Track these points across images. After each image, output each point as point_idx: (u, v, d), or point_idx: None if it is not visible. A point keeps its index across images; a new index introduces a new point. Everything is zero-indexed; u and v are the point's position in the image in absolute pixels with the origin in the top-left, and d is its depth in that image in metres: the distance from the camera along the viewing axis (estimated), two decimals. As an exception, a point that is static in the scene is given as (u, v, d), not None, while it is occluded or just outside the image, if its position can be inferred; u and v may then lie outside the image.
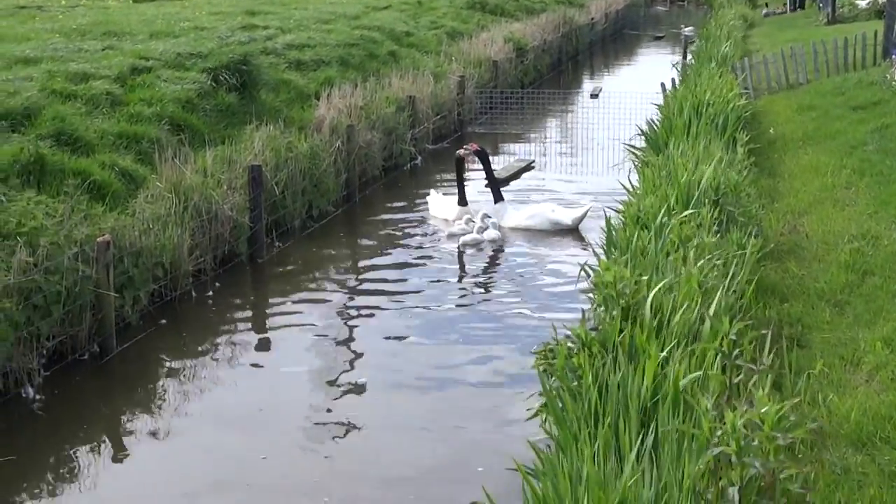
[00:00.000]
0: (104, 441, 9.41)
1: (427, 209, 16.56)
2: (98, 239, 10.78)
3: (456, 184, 16.11)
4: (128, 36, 19.90)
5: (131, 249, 11.51)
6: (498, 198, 15.90)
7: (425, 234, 15.53)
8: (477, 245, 14.90)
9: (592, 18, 43.38)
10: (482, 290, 13.23)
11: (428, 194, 16.85)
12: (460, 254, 14.66)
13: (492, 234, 15.02)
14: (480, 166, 16.71)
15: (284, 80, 19.02)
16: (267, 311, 13.00)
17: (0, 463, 8.02)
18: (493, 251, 14.81)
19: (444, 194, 16.61)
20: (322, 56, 21.13)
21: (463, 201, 15.84)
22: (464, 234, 15.05)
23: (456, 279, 13.72)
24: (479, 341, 11.30)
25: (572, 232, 15.45)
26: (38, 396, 9.89)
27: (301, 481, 8.44)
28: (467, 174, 17.23)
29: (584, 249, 14.52)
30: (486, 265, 14.37)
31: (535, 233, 15.33)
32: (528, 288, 13.09)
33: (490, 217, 15.26)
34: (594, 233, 14.59)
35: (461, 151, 16.24)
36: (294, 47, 21.10)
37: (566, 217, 15.49)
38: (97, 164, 12.92)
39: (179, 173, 13.27)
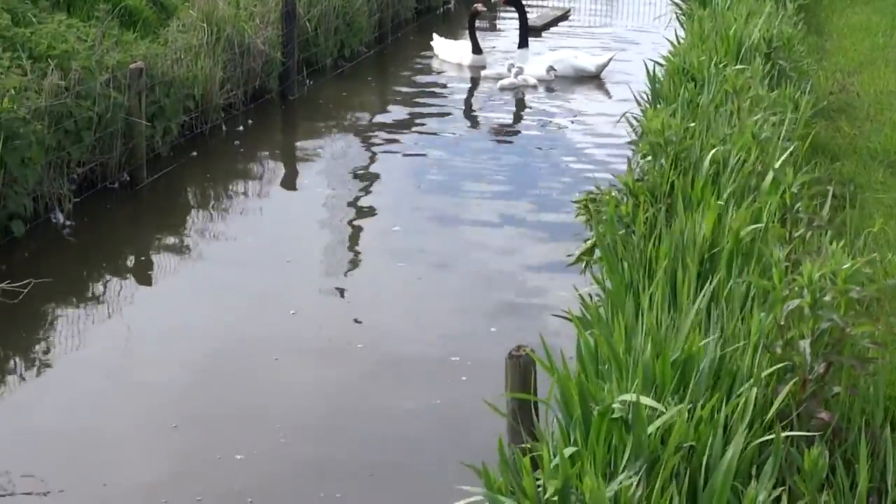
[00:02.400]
0: (132, 268, 9.29)
1: (434, 53, 16.24)
2: (131, 65, 10.49)
3: (468, 33, 15.76)
4: None
5: (163, 79, 11.23)
6: (523, 44, 15.62)
7: (463, 77, 15.23)
8: (515, 89, 14.65)
9: None
10: (513, 138, 13.00)
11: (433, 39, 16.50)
12: (493, 99, 14.38)
13: (531, 79, 14.81)
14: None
15: (319, -87, 18.41)
16: (296, 148, 12.81)
17: (36, 284, 7.88)
18: (527, 96, 14.54)
19: (447, 39, 16.25)
20: None
21: (478, 50, 15.61)
22: (501, 79, 14.83)
23: (488, 124, 13.45)
24: (512, 187, 11.08)
25: (596, 79, 15.29)
26: (67, 222, 9.74)
27: (324, 314, 8.30)
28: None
29: (609, 97, 14.33)
30: (521, 111, 14.10)
31: (558, 79, 15.08)
32: (562, 134, 12.88)
33: (521, 66, 14.98)
34: (621, 83, 14.42)
35: (476, 6, 15.88)
36: None
37: (590, 64, 15.38)
38: (128, -12, 12.55)
39: (212, 4, 12.88)
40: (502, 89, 14.67)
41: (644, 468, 4.12)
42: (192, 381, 7.33)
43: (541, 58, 15.55)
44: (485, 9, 16.20)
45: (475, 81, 15.13)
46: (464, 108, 14.16)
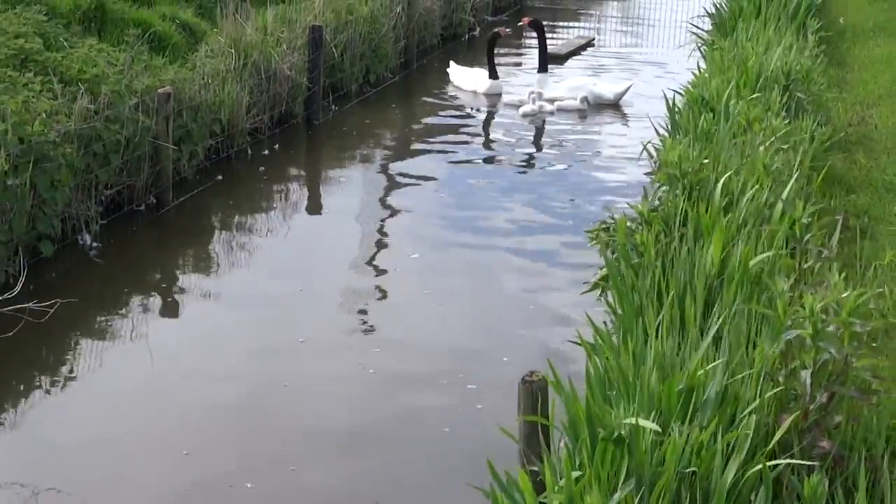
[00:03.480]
0: (157, 290, 9.45)
1: (449, 80, 16.40)
2: (159, 90, 10.71)
3: (487, 57, 15.89)
4: None
5: (190, 103, 11.44)
6: (542, 68, 15.78)
7: (481, 105, 15.41)
8: (535, 116, 14.87)
9: None
10: (531, 164, 13.15)
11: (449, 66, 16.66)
12: (514, 126, 14.55)
13: (549, 106, 15.03)
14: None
15: (347, -59, 18.67)
16: (321, 173, 13.00)
17: (63, 304, 8.07)
18: (546, 124, 14.73)
19: (466, 67, 16.40)
20: (385, -81, 20.70)
21: (494, 75, 15.74)
22: (522, 105, 15.03)
23: (509, 151, 13.59)
24: (532, 216, 11.22)
25: (614, 107, 15.45)
26: (94, 244, 9.93)
27: (342, 344, 8.44)
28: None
29: (629, 126, 14.49)
30: (540, 139, 14.27)
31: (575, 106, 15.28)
32: (580, 163, 13.05)
33: (540, 92, 15.18)
34: (640, 112, 14.69)
35: (499, 29, 16.10)
36: None
37: (608, 91, 15.54)
38: (158, 15, 12.83)
39: (240, 30, 13.12)
40: (524, 115, 14.85)
41: (644, 490, 4.24)
42: (207, 406, 7.47)
43: (561, 84, 15.72)
44: (508, 31, 16.33)
45: (495, 108, 15.28)
46: (484, 135, 14.32)
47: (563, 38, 20.11)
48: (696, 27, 16.23)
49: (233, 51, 12.70)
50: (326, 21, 14.67)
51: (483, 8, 20.66)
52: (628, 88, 15.57)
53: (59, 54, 10.74)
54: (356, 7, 15.68)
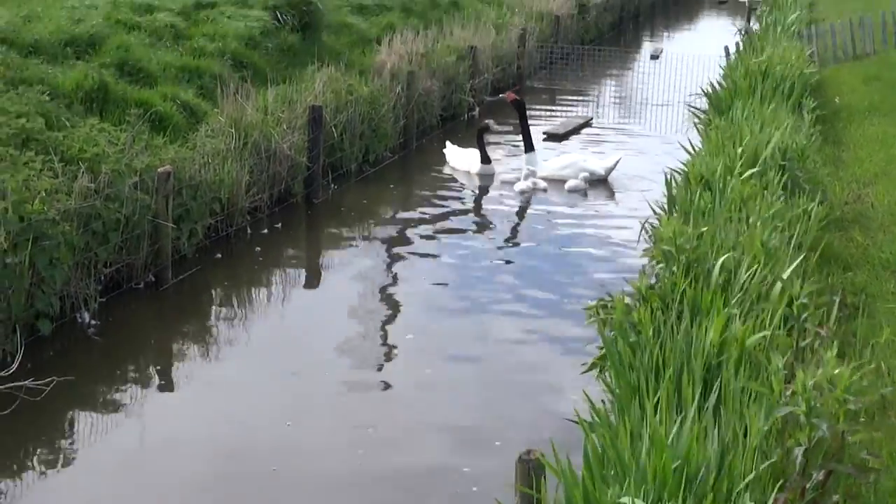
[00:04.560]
0: (154, 369, 9.49)
1: (446, 160, 16.51)
2: (159, 169, 10.78)
3: (478, 146, 16.01)
4: (192, -29, 19.82)
5: (190, 182, 11.51)
6: (529, 148, 15.93)
7: (476, 185, 15.53)
8: (530, 192, 15.06)
9: (656, -21, 42.87)
10: (527, 241, 13.22)
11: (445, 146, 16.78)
12: (510, 205, 14.66)
13: (542, 183, 15.26)
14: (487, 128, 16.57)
15: (346, 23, 18.94)
16: (319, 253, 13.07)
17: (60, 382, 8.06)
18: (540, 201, 14.86)
19: (460, 147, 16.53)
20: (384, 1, 21.01)
21: (486, 160, 15.89)
22: (517, 182, 15.27)
23: (505, 230, 13.69)
24: (527, 294, 11.24)
25: (606, 183, 15.64)
26: (93, 322, 9.95)
27: (341, 429, 8.42)
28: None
29: (622, 202, 14.77)
30: (535, 216, 14.35)
31: (566, 182, 15.42)
32: (576, 240, 13.15)
33: (533, 169, 15.38)
34: (633, 186, 14.94)
35: (488, 122, 16.35)
36: (357, -10, 20.98)
37: (598, 167, 15.76)
38: (159, 95, 12.93)
39: (240, 110, 13.24)
40: (520, 192, 15.01)
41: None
42: (199, 487, 7.47)
43: (552, 161, 15.88)
44: (494, 126, 16.55)
45: (490, 188, 15.40)
46: (480, 214, 14.41)
47: (562, 118, 20.27)
48: (693, 106, 16.38)
49: (233, 130, 12.81)
50: (326, 101, 14.80)
51: (482, 88, 20.83)
52: (617, 162, 15.85)
53: (60, 133, 10.83)
54: (356, 87, 15.83)
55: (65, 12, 14.32)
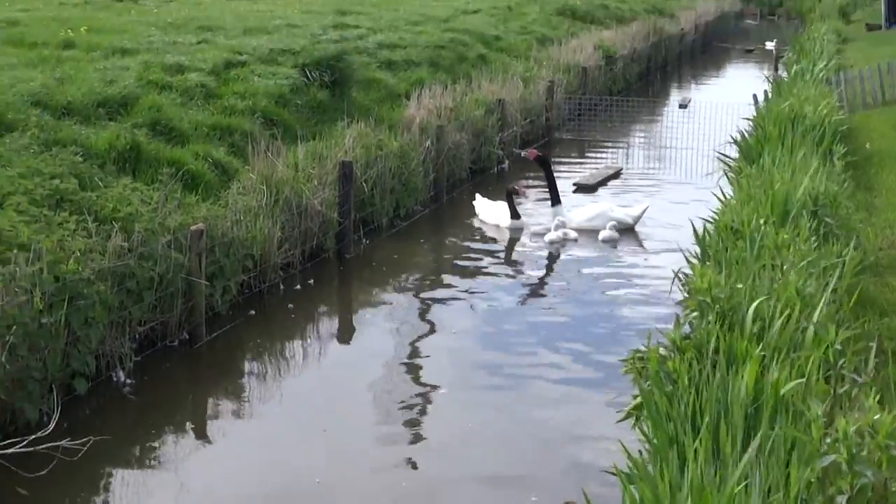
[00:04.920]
0: (191, 428, 9.51)
1: (475, 213, 16.55)
2: (192, 227, 10.86)
3: (507, 204, 16.00)
4: (221, 31, 20.09)
5: (223, 239, 11.57)
6: (556, 201, 15.94)
7: (507, 238, 15.55)
8: (560, 243, 15.12)
9: (682, 29, 43.04)
10: (559, 292, 13.18)
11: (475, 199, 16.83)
12: (541, 256, 14.68)
13: (573, 234, 15.33)
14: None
15: (375, 78, 19.09)
16: (352, 307, 13.08)
17: (96, 442, 8.07)
18: (571, 252, 14.88)
19: (490, 200, 16.58)
20: (412, 57, 21.18)
21: (516, 215, 15.92)
22: (547, 233, 15.33)
23: (536, 280, 13.73)
24: (560, 346, 11.21)
25: (635, 233, 15.71)
26: (128, 380, 9.98)
27: (375, 483, 8.41)
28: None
29: (653, 251, 14.77)
30: (567, 267, 14.35)
31: (596, 233, 15.48)
32: (609, 290, 13.14)
33: (563, 220, 15.45)
34: (664, 235, 15.11)
35: (517, 187, 16.46)
36: (385, 47, 21.17)
37: (626, 215, 15.83)
38: (191, 154, 13.05)
39: (271, 166, 13.33)
40: (550, 243, 15.07)
41: None
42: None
43: (579, 211, 15.91)
44: (523, 190, 16.73)
45: (521, 241, 15.42)
46: (511, 267, 14.39)
47: (592, 169, 20.30)
48: (723, 154, 16.37)
49: (264, 187, 12.89)
50: (356, 156, 14.88)
51: (511, 141, 20.90)
52: (645, 210, 15.96)
53: (93, 193, 10.94)
54: (386, 142, 15.92)
55: (97, 74, 14.51)
